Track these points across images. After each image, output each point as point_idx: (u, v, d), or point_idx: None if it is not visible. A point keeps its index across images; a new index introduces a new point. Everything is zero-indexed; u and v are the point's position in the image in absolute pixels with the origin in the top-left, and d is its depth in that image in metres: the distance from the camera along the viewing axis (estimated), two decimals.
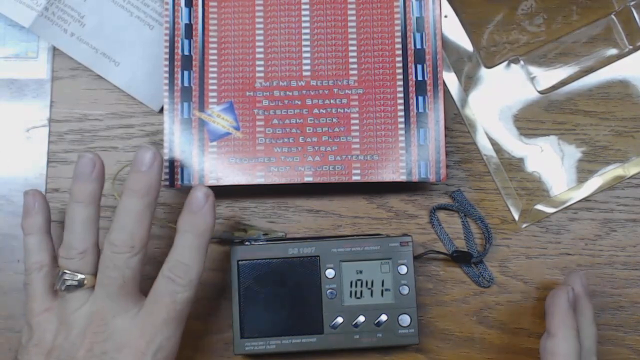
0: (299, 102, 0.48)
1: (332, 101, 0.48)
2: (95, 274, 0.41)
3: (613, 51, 0.51)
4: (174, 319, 0.40)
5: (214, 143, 0.47)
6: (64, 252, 0.41)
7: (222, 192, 0.50)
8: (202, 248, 0.41)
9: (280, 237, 0.49)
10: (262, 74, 0.48)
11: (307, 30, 0.48)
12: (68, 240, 0.41)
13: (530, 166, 0.50)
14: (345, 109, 0.48)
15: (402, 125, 0.48)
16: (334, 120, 0.48)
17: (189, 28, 0.48)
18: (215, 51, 0.48)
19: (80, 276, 0.41)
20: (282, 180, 0.47)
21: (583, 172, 0.50)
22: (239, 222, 0.49)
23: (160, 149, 0.50)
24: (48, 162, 0.50)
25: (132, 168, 0.41)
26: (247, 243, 0.46)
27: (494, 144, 0.49)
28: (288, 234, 0.49)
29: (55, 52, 0.51)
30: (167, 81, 0.48)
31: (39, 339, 0.40)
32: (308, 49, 0.48)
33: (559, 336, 0.41)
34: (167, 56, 0.48)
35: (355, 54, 0.48)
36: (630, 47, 0.51)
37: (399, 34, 0.48)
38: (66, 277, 0.40)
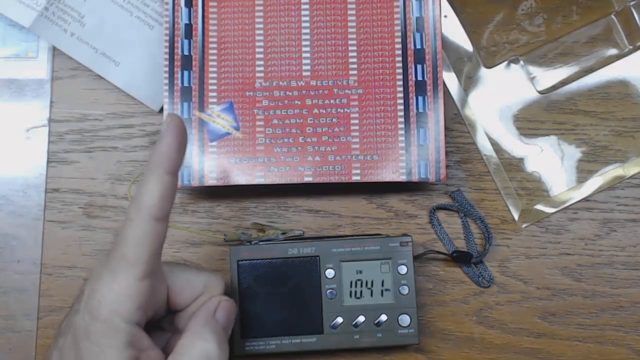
0: (299, 102, 0.48)
1: (332, 101, 0.48)
2: None
3: (613, 51, 0.51)
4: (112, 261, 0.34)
5: (214, 143, 0.47)
6: None
7: (222, 192, 0.50)
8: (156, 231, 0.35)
9: (298, 235, 0.48)
10: (262, 74, 0.48)
11: (307, 30, 0.48)
12: None
13: (530, 166, 0.50)
14: (345, 109, 0.48)
15: (402, 125, 0.48)
16: (334, 120, 0.48)
17: (189, 28, 0.48)
18: (215, 51, 0.48)
19: None
20: (282, 180, 0.47)
21: (583, 172, 0.50)
22: (256, 223, 0.49)
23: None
24: (48, 162, 0.50)
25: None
26: (246, 243, 0.46)
27: (494, 144, 0.49)
28: (288, 232, 0.49)
29: (55, 52, 0.51)
30: (167, 81, 0.48)
31: None
32: (308, 49, 0.48)
33: None
34: (167, 56, 0.48)
35: (355, 54, 0.48)
36: (630, 47, 0.51)
37: (399, 34, 0.48)
38: None
